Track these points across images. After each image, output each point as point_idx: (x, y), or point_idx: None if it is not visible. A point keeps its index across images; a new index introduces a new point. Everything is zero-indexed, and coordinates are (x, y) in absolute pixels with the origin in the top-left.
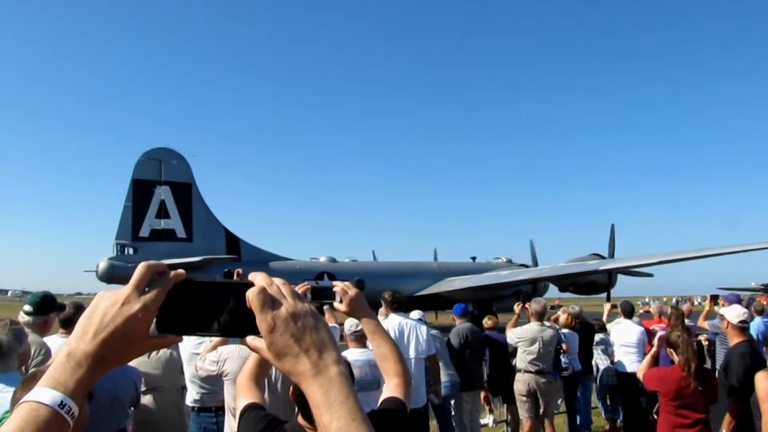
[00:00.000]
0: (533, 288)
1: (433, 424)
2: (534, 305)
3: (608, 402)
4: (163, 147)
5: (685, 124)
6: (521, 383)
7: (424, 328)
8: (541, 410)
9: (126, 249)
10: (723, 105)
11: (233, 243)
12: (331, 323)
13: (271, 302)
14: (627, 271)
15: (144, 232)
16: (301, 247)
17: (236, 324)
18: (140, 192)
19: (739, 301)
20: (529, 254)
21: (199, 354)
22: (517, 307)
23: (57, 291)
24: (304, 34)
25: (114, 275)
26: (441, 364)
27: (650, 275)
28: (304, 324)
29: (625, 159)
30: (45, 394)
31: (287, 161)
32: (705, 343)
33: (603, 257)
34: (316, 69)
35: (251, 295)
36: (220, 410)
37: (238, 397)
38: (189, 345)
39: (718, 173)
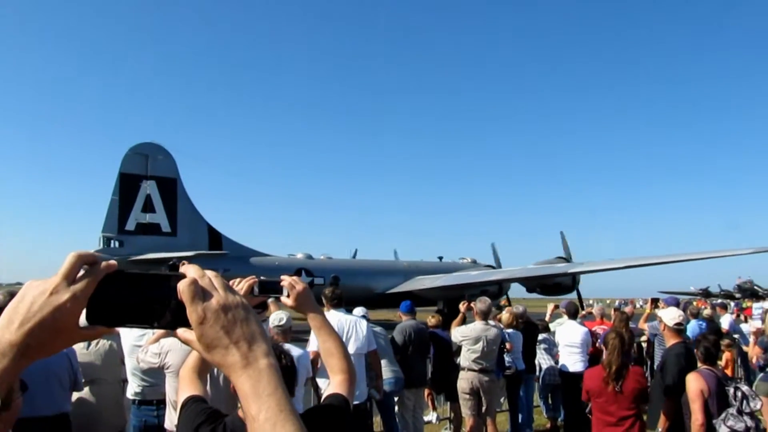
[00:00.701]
0: (499, 288)
1: (377, 420)
2: (479, 305)
3: (550, 401)
4: (149, 142)
5: (667, 123)
6: (464, 381)
7: (364, 323)
8: (484, 408)
9: (112, 242)
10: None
11: (216, 238)
12: None
13: (201, 294)
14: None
15: (130, 225)
16: (278, 244)
17: (167, 316)
18: (127, 186)
19: (677, 304)
20: (491, 256)
21: (141, 346)
22: (462, 306)
23: None
24: (278, 29)
25: None
26: (385, 360)
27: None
28: (235, 316)
29: (594, 161)
30: None
31: (269, 159)
32: (644, 344)
33: (568, 260)
34: (299, 66)
35: (182, 286)
36: (161, 403)
37: (180, 389)
38: (131, 337)
39: (705, 173)
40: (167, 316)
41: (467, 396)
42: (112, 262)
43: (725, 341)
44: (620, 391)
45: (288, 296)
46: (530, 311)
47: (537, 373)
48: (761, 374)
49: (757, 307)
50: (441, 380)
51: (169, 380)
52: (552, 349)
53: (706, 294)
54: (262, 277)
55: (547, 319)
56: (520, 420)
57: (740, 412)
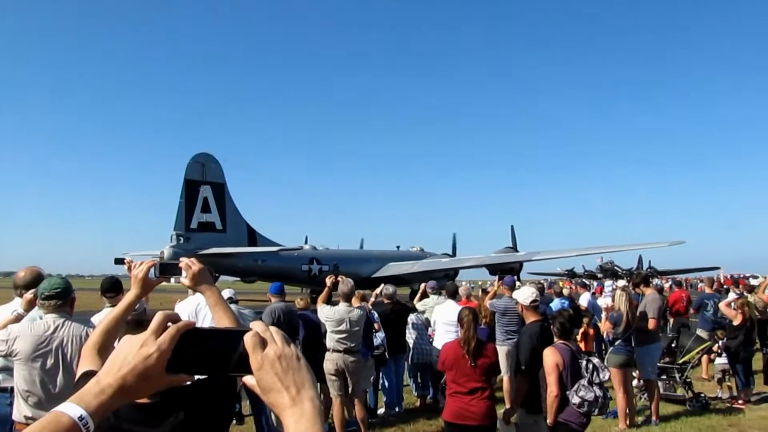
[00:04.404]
0: (455, 272)
1: (246, 404)
2: (341, 286)
3: (419, 379)
4: (204, 152)
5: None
6: (330, 362)
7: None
8: (350, 389)
9: (180, 238)
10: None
11: (252, 235)
12: None
13: (261, 345)
14: None
15: (193, 224)
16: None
17: (235, 363)
18: (190, 190)
19: (513, 283)
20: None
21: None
22: (328, 280)
23: None
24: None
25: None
26: None
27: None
28: (289, 365)
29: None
30: (70, 408)
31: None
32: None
33: (514, 249)
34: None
35: (246, 338)
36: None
37: (80, 365)
38: None
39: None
40: (234, 364)
41: (333, 377)
42: (191, 321)
43: (586, 318)
44: (475, 365)
45: (185, 277)
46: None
47: (407, 353)
48: (611, 347)
49: (608, 285)
50: (310, 362)
51: (17, 368)
52: (422, 329)
53: (571, 274)
54: (161, 260)
55: (416, 300)
56: (387, 400)
57: (591, 383)
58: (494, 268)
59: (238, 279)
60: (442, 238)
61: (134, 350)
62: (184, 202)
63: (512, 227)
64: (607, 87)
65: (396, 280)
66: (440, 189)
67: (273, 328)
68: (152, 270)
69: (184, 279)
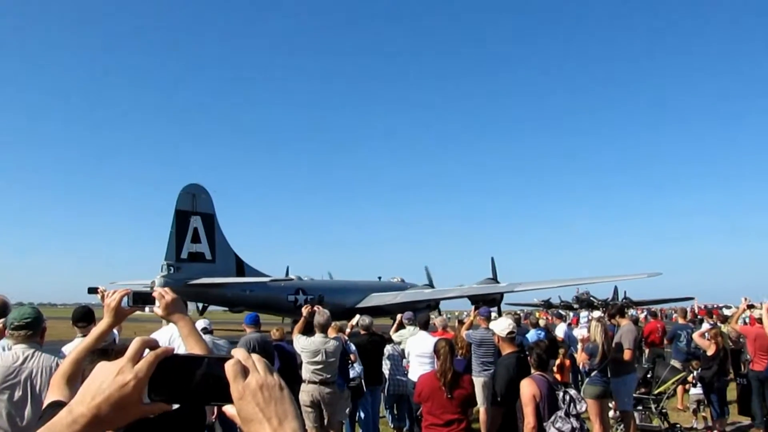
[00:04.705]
0: (437, 303)
1: None
2: (317, 317)
3: (395, 411)
4: (195, 183)
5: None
6: (305, 394)
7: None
8: (326, 420)
9: (171, 268)
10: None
11: (240, 265)
12: None
13: (243, 373)
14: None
15: (184, 254)
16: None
17: (215, 392)
18: (180, 221)
19: (488, 314)
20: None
21: None
22: (305, 310)
23: None
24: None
25: None
26: None
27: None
28: (271, 395)
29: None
30: None
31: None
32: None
33: (495, 280)
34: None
35: (227, 366)
36: None
37: (49, 394)
38: None
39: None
40: (215, 392)
41: (309, 408)
42: (170, 347)
43: (562, 349)
44: (451, 397)
45: (159, 306)
46: None
47: (383, 384)
48: (587, 378)
49: (584, 316)
50: None
51: None
52: (398, 360)
53: (547, 305)
54: (134, 289)
55: (391, 332)
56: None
57: (567, 414)
58: (476, 299)
59: (227, 309)
60: (419, 268)
61: (110, 378)
62: (175, 232)
63: (492, 259)
64: (581, 115)
65: (379, 310)
66: (421, 218)
67: (255, 356)
68: (125, 299)
69: (157, 309)
